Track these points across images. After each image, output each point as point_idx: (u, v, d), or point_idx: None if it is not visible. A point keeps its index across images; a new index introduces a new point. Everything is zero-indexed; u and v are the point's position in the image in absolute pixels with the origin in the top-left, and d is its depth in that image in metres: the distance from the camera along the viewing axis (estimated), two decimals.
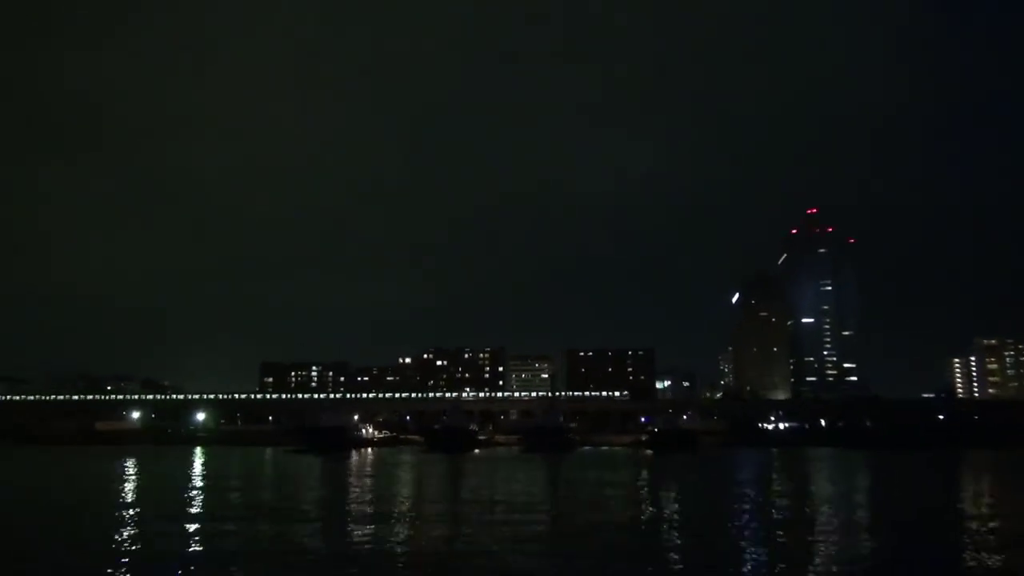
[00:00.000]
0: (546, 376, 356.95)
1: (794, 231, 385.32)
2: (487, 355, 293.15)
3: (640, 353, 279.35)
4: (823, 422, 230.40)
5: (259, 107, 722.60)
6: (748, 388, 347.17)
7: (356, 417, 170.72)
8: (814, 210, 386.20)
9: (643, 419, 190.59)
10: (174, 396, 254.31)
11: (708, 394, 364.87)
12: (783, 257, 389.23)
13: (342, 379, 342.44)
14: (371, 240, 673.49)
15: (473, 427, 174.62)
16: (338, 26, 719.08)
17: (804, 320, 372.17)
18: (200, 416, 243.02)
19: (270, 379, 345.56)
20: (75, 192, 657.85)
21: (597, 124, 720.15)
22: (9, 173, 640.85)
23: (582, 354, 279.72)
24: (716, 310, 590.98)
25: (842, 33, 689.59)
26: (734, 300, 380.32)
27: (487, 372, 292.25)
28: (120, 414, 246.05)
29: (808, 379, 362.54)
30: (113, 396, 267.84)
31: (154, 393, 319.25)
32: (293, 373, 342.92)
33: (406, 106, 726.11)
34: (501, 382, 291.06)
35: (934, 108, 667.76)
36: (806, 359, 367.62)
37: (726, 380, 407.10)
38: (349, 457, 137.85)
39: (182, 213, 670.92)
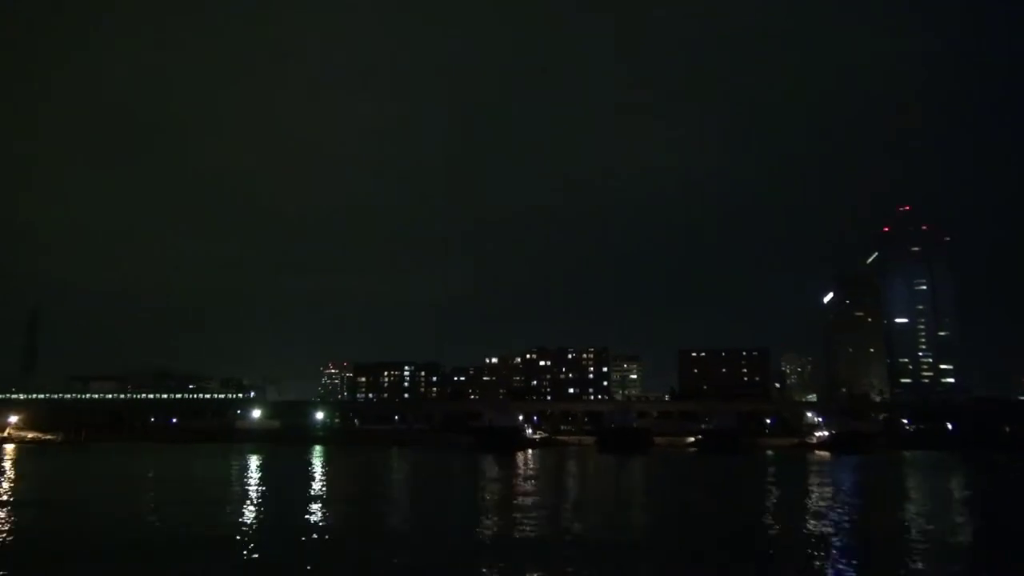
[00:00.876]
0: (635, 376, 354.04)
1: (886, 228, 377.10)
2: (591, 355, 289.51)
3: (755, 353, 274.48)
4: (948, 425, 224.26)
5: (306, 103, 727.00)
6: (844, 389, 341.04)
7: (520, 417, 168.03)
8: (907, 207, 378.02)
9: (819, 419, 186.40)
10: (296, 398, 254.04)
11: (797, 397, 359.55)
12: (873, 255, 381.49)
13: (434, 379, 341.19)
14: (416, 235, 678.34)
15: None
16: (381, 19, 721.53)
17: (898, 320, 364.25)
18: (319, 415, 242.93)
19: (362, 379, 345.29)
20: (131, 193, 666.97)
21: (645, 117, 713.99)
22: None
23: (694, 354, 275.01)
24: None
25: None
26: (826, 299, 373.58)
27: (591, 372, 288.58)
28: (236, 412, 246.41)
29: (903, 380, 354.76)
30: (238, 395, 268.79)
31: (236, 392, 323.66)
32: (386, 373, 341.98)
33: (463, 97, 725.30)
34: (605, 382, 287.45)
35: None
36: (900, 360, 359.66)
37: (797, 380, 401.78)
38: (515, 457, 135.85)
39: (228, 212, 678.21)
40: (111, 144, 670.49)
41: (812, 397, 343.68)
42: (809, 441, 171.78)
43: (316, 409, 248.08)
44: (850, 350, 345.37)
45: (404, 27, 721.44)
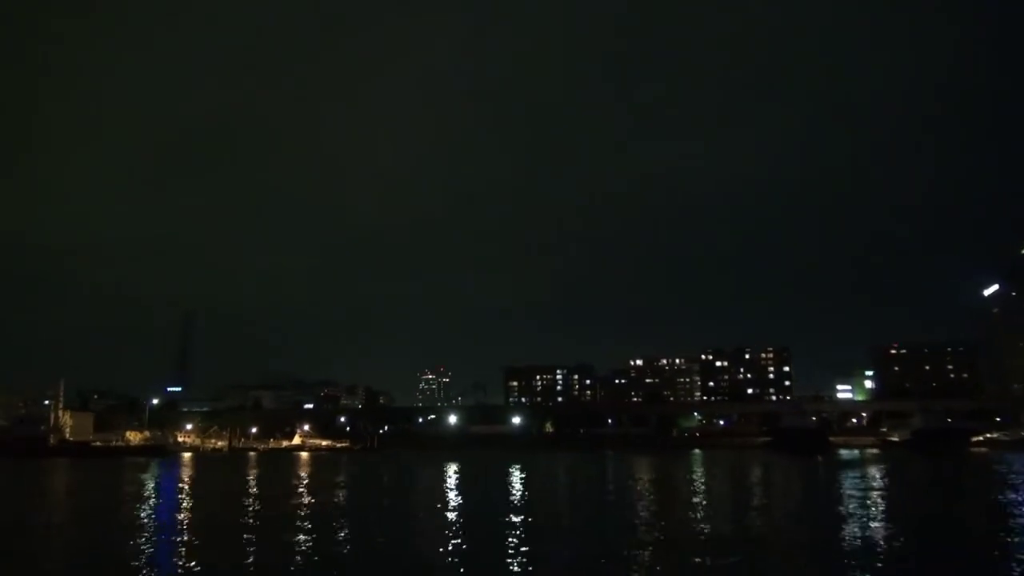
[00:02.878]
0: (787, 370, 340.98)
1: None
2: (770, 355, 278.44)
3: (960, 349, 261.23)
4: None
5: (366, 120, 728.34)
6: (1016, 385, 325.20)
7: (815, 419, 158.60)
8: None
9: None
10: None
11: None
12: None
13: (587, 381, 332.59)
14: (501, 239, 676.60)
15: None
16: (434, 33, 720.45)
17: None
18: (516, 420, 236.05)
19: (515, 383, 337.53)
20: (204, 201, 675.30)
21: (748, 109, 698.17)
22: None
23: (893, 351, 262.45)
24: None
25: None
26: (987, 292, 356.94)
27: (771, 373, 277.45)
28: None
29: None
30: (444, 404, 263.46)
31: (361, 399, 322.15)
32: (537, 376, 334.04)
33: (521, 99, 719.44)
34: (787, 382, 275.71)
35: None
36: None
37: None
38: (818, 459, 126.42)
39: (294, 224, 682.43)
40: (177, 158, 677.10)
41: None
42: None
43: (512, 414, 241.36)
44: (1020, 344, 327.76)
45: (465, 38, 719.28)
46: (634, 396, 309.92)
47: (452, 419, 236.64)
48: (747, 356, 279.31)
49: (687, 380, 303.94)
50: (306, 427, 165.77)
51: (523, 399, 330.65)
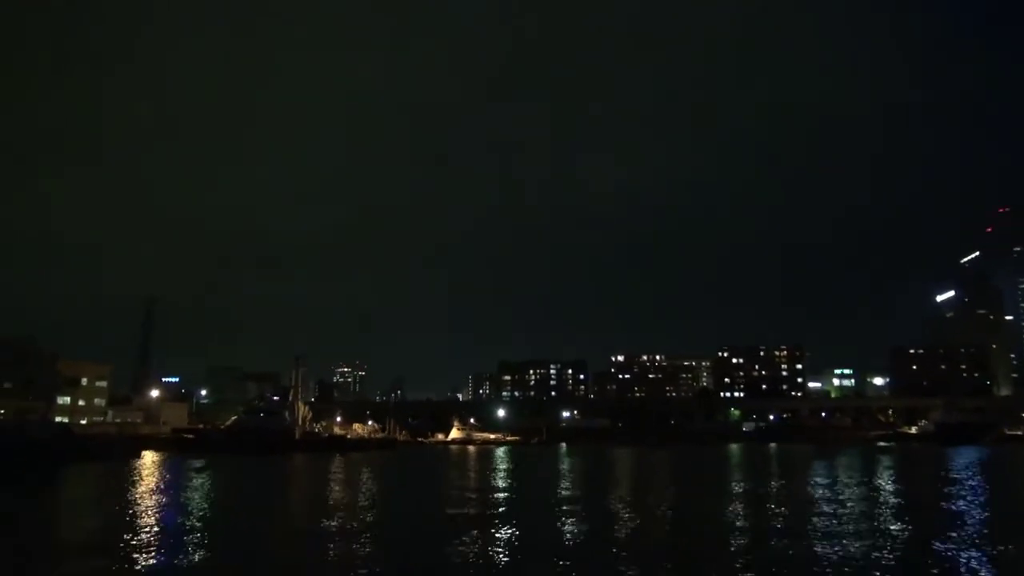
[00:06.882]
0: None
1: (988, 229, 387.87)
2: (783, 353, 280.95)
3: (972, 350, 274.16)
4: None
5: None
6: None
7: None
8: (1006, 208, 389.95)
9: None
10: None
11: None
12: (972, 255, 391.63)
13: (581, 376, 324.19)
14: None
15: None
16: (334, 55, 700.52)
17: (1005, 317, 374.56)
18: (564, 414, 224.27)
19: (508, 377, 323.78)
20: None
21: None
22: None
23: (912, 351, 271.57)
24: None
25: None
26: (940, 298, 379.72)
27: (784, 370, 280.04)
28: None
29: (1011, 376, 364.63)
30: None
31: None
32: (531, 371, 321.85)
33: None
34: (799, 379, 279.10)
35: None
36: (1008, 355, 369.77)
37: None
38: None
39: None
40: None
41: None
42: None
43: (563, 408, 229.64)
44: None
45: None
46: (637, 391, 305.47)
47: (500, 413, 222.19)
48: (761, 354, 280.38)
49: (688, 376, 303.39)
50: (472, 420, 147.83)
51: (516, 393, 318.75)
